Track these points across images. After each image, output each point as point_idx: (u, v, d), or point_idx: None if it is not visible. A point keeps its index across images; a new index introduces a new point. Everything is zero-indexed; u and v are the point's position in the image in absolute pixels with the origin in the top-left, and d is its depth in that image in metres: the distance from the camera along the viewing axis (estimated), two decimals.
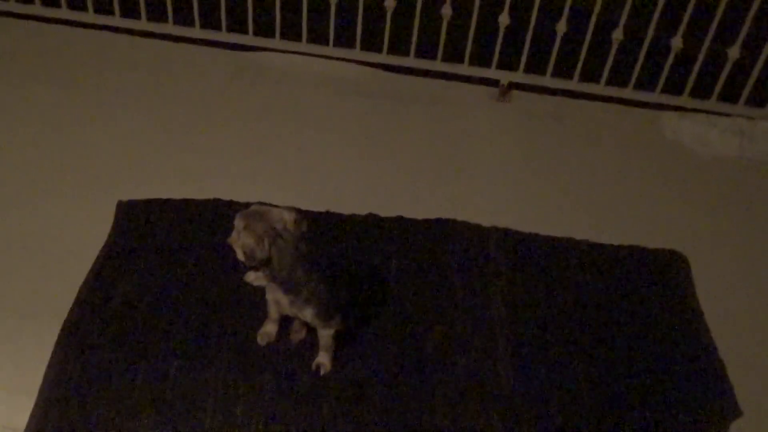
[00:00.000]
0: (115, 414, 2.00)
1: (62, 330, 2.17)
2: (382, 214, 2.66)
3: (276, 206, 1.94)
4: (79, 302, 2.25)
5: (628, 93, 3.39)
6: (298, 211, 1.94)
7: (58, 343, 2.14)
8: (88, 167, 2.79)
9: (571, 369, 2.22)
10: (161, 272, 2.36)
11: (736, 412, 2.14)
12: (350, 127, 3.13)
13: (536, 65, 3.39)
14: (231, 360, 2.14)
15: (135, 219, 2.53)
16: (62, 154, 2.84)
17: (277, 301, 2.07)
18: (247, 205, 1.97)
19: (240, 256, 1.90)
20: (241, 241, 1.87)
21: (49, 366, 2.09)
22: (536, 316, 2.36)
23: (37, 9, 3.55)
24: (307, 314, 2.05)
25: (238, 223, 1.89)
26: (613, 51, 3.28)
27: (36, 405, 2.01)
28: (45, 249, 2.43)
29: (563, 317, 2.37)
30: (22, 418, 2.00)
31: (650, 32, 3.21)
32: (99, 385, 2.05)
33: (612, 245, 2.64)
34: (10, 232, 2.49)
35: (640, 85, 3.37)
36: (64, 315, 2.22)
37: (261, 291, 2.22)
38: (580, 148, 3.16)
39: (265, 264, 1.90)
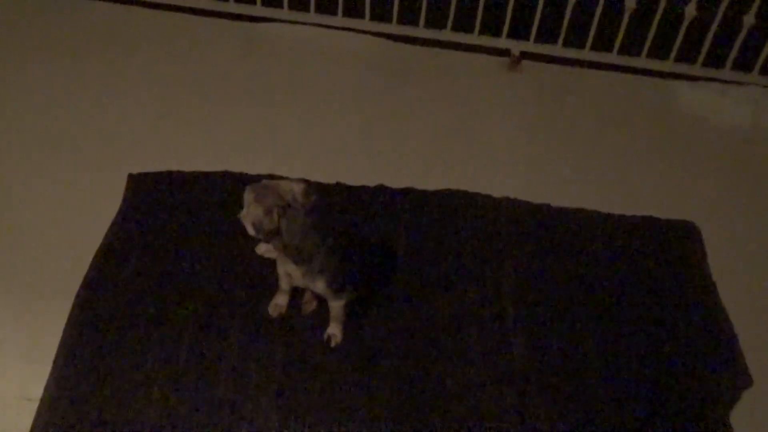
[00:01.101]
0: (128, 385, 2.02)
1: (75, 303, 2.18)
2: (393, 185, 2.66)
3: (285, 178, 1.95)
4: (91, 275, 2.26)
5: (640, 62, 3.35)
6: (308, 182, 1.95)
7: (71, 317, 2.15)
8: (99, 141, 2.79)
9: (582, 340, 2.22)
10: (172, 245, 2.37)
11: (747, 381, 2.15)
12: (360, 99, 3.11)
13: (547, 34, 3.35)
14: (243, 332, 2.15)
15: (146, 192, 2.53)
16: (71, 128, 2.84)
17: (288, 272, 2.08)
18: (257, 177, 2.00)
19: (249, 230, 1.91)
20: (251, 213, 1.88)
21: (63, 338, 2.11)
22: (547, 287, 2.36)
23: None
24: (318, 285, 2.06)
25: (248, 196, 1.90)
26: (625, 19, 3.23)
27: (51, 376, 2.03)
28: (57, 223, 2.44)
29: (575, 288, 2.37)
30: (38, 388, 2.03)
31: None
32: (112, 357, 2.07)
33: (624, 216, 2.63)
34: (22, 208, 2.50)
35: (652, 54, 3.32)
36: (77, 287, 2.23)
37: (272, 263, 2.23)
38: (592, 119, 3.13)
39: (275, 235, 1.90)
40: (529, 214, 2.59)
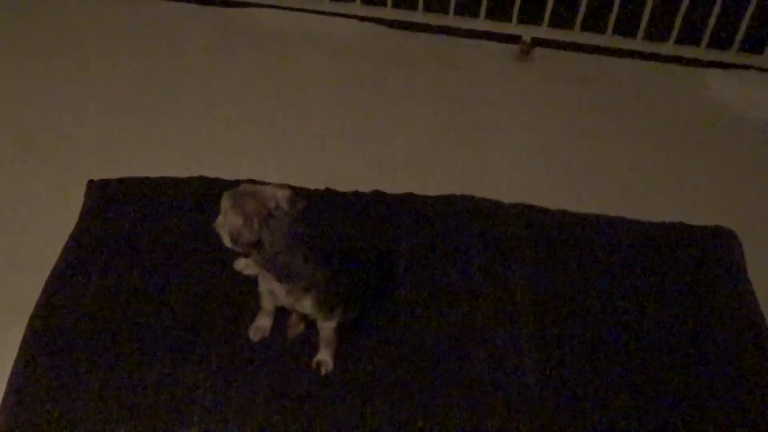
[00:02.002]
0: (89, 424, 2.00)
1: (28, 327, 2.17)
2: (389, 191, 2.65)
3: (268, 183, 1.95)
4: (47, 296, 2.25)
5: (668, 48, 3.36)
6: (293, 188, 1.95)
7: (24, 342, 2.14)
8: (56, 143, 2.82)
9: (606, 364, 2.23)
10: (139, 260, 2.37)
11: None
12: (351, 93, 3.15)
13: (563, 18, 3.35)
14: (220, 359, 2.15)
15: (108, 200, 2.53)
16: (26, 129, 2.86)
17: (272, 291, 2.08)
18: (236, 183, 1.98)
19: (227, 242, 1.92)
20: (228, 222, 1.88)
21: (13, 370, 2.09)
22: (565, 304, 2.36)
23: None
24: (306, 305, 2.05)
25: (225, 203, 1.90)
26: (650, 1, 3.23)
27: (2, 408, 2.02)
28: (9, 236, 2.46)
29: (597, 305, 2.37)
30: None
31: None
32: (70, 389, 2.06)
33: (651, 222, 2.63)
34: None
35: (682, 40, 3.32)
36: (30, 310, 2.22)
37: (253, 280, 2.24)
38: (613, 113, 3.18)
39: (256, 248, 1.91)
40: (544, 222, 2.59)
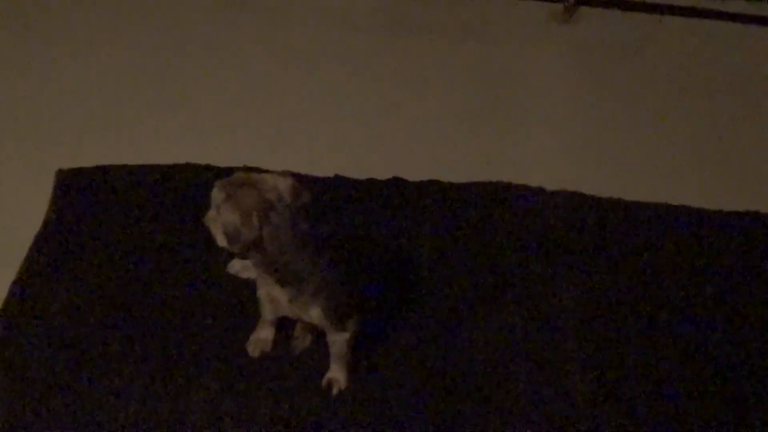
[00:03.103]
0: None
1: None
2: (410, 177, 2.67)
3: (267, 171, 1.96)
4: (8, 307, 2.26)
5: (740, 6, 3.30)
6: (297, 176, 1.95)
7: None
8: (22, 127, 2.81)
9: (668, 380, 2.21)
10: (116, 264, 2.38)
11: None
12: (365, 67, 3.14)
13: None
14: (213, 379, 2.15)
15: (80, 193, 2.55)
16: None
17: (273, 297, 2.07)
18: (230, 171, 1.98)
19: (220, 240, 1.92)
20: (222, 218, 1.88)
21: None
22: (621, 309, 2.36)
23: None
24: (314, 314, 2.05)
25: (217, 194, 1.90)
26: None
27: None
28: None
29: (657, 310, 2.36)
30: None
31: None
32: (34, 419, 2.05)
33: (721, 211, 2.63)
34: None
35: None
36: None
37: (251, 285, 2.23)
38: (673, 83, 3.14)
39: (255, 248, 1.90)
40: (594, 212, 2.60)
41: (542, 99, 3.02)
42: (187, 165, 2.63)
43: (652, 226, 2.57)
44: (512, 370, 2.20)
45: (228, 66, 3.09)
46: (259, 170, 1.96)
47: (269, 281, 2.02)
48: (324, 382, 2.15)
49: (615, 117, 2.98)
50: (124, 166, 2.62)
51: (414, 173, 2.68)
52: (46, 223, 2.47)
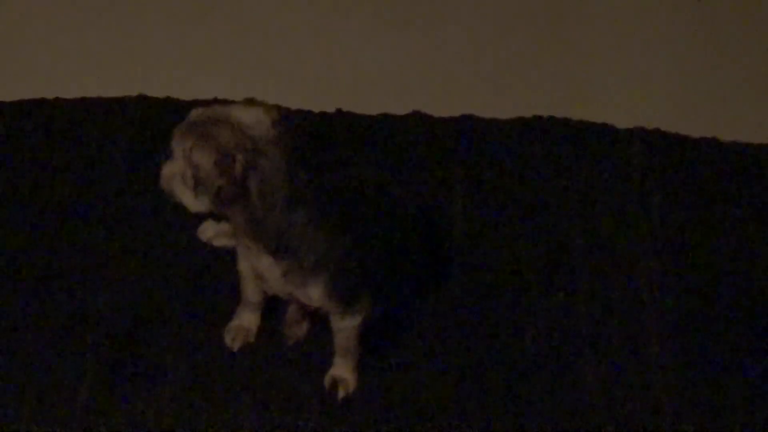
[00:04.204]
0: None
1: None
2: (435, 113, 2.65)
3: (244, 103, 1.93)
4: None
5: None
6: (286, 112, 1.92)
7: None
8: None
9: None
10: (48, 224, 2.36)
11: None
12: None
13: None
14: (183, 378, 2.14)
15: (5, 134, 2.56)
16: None
17: (259, 272, 2.01)
18: (193, 105, 1.96)
19: (184, 196, 1.88)
20: (192, 161, 1.83)
21: None
22: (718, 293, 2.32)
23: None
24: (314, 293, 1.99)
25: (180, 140, 1.86)
26: None
27: None
28: None
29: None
30: None
31: None
32: None
33: None
34: None
35: None
36: None
37: (228, 257, 2.25)
38: None
39: (236, 204, 1.85)
40: (681, 156, 2.58)
41: (605, 10, 2.99)
42: (141, 98, 2.63)
43: (758, 172, 2.56)
44: (576, 366, 2.20)
45: None
46: (227, 103, 1.93)
47: (255, 251, 1.97)
48: (327, 381, 2.12)
49: (700, 35, 2.96)
50: (58, 100, 2.63)
51: (440, 107, 2.67)
52: None
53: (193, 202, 1.88)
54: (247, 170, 1.82)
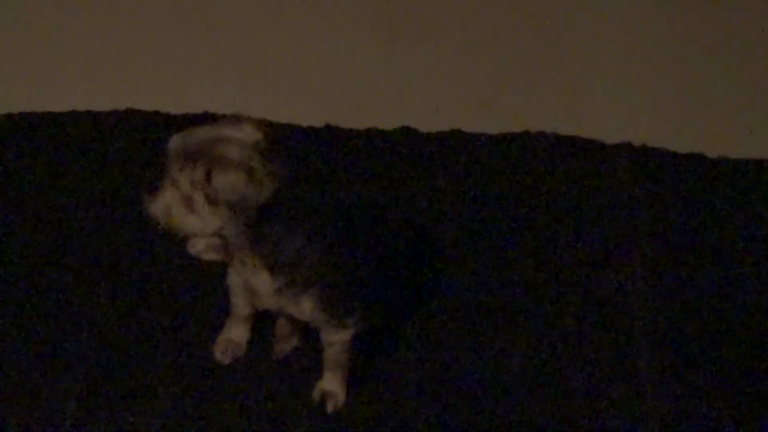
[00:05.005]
0: None
1: None
2: (424, 128, 2.64)
3: (230, 119, 1.93)
4: None
5: None
6: (267, 124, 1.92)
7: None
8: None
9: None
10: (37, 239, 2.36)
11: None
12: None
13: None
14: (172, 394, 2.12)
15: None
16: None
17: (251, 286, 2.02)
18: (181, 118, 2.08)
19: (193, 224, 1.87)
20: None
21: None
22: (704, 310, 2.33)
23: None
24: (305, 308, 1.99)
25: (185, 167, 1.84)
26: None
27: None
28: None
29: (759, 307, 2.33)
30: None
31: None
32: None
33: None
34: None
35: None
36: None
37: (217, 270, 2.22)
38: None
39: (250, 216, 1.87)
40: (669, 172, 2.58)
41: (596, 25, 3.00)
42: (129, 111, 2.62)
43: (743, 187, 2.57)
44: (565, 383, 2.18)
45: None
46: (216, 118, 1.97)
47: (250, 266, 1.97)
48: (316, 395, 2.11)
49: (696, 45, 2.99)
50: (48, 114, 2.61)
51: (429, 122, 2.65)
52: None
53: (201, 227, 1.88)
54: (248, 185, 1.84)
